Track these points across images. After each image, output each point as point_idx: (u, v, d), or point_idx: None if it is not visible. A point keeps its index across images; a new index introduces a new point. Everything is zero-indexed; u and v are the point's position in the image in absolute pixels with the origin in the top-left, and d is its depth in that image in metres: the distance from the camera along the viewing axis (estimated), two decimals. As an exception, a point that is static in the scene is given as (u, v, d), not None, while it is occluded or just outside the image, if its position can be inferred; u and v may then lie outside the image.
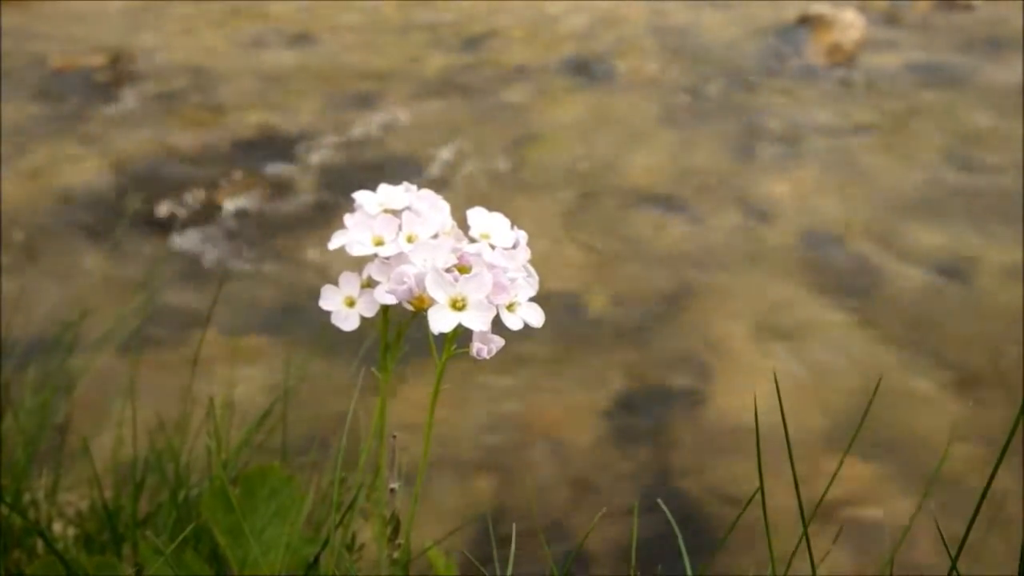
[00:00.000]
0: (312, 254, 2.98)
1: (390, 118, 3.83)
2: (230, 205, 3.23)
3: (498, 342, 0.75)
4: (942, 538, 0.81)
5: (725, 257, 2.97)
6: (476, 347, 0.75)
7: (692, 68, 4.21)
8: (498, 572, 0.96)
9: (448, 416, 2.30)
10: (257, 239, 3.07)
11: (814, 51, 4.33)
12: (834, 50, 4.32)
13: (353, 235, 0.83)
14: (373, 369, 0.88)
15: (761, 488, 0.83)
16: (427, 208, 0.84)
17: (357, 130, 3.73)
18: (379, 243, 0.82)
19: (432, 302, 0.74)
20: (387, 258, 0.81)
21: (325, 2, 4.88)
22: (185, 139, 3.65)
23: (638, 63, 4.28)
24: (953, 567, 0.81)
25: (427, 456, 0.87)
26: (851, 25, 4.42)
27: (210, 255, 2.99)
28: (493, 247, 0.80)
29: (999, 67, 4.15)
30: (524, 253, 0.81)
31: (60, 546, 1.29)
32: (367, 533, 0.96)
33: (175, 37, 4.52)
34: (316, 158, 3.53)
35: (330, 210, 3.21)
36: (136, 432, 1.45)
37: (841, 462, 0.87)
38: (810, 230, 3.10)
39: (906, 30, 4.54)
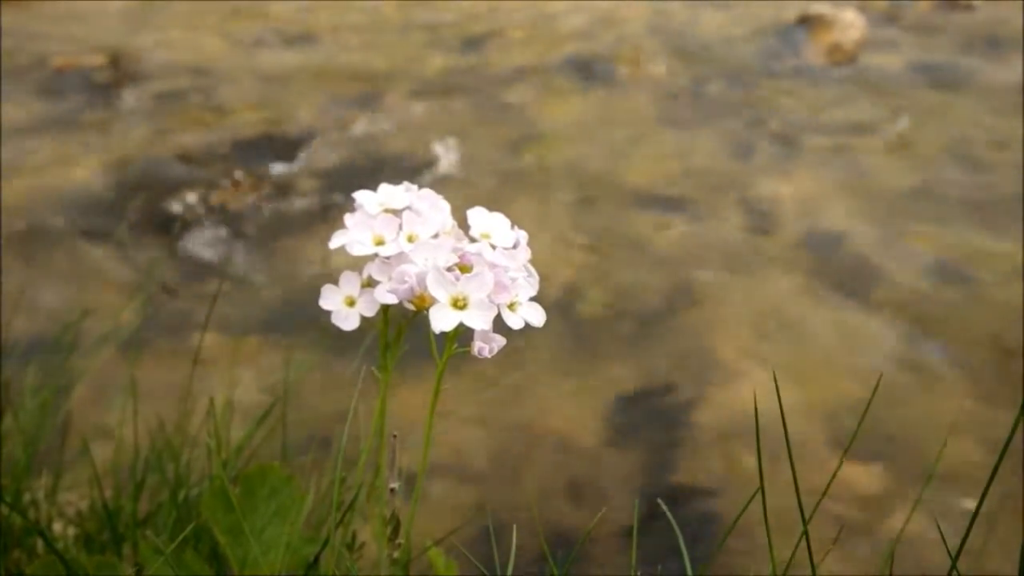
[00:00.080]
0: (312, 254, 2.98)
1: (390, 118, 3.83)
2: (230, 205, 3.23)
3: (499, 341, 0.75)
4: (942, 538, 0.81)
5: (725, 257, 2.97)
6: (478, 346, 0.75)
7: (692, 68, 4.21)
8: (498, 572, 0.96)
9: (448, 415, 2.30)
10: (258, 239, 3.07)
11: (814, 51, 4.33)
12: (834, 50, 4.32)
13: (354, 235, 0.83)
14: (373, 369, 0.88)
15: (761, 488, 0.83)
16: (427, 208, 0.84)
17: (357, 130, 3.73)
18: (380, 243, 0.82)
19: (433, 301, 0.74)
20: (388, 258, 0.81)
21: (325, 2, 4.88)
22: (185, 139, 3.65)
23: (638, 63, 4.28)
24: (953, 567, 0.81)
25: (427, 456, 0.87)
26: (851, 25, 4.42)
27: (210, 255, 2.99)
28: (494, 247, 0.80)
29: (999, 67, 4.15)
30: (524, 253, 0.81)
31: (60, 546, 1.29)
32: (367, 533, 0.96)
33: (175, 37, 4.52)
34: (316, 158, 3.53)
35: (330, 210, 3.21)
36: (136, 432, 1.45)
37: (841, 461, 0.87)
38: (810, 230, 3.10)
39: (906, 30, 4.55)
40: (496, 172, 3.44)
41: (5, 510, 1.27)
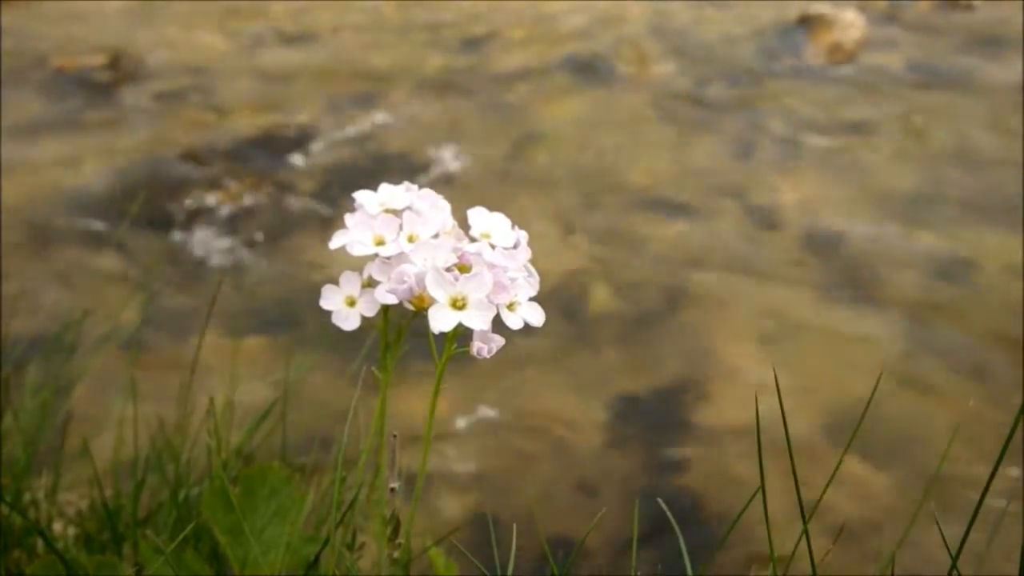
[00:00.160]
0: (313, 254, 2.98)
1: (390, 118, 3.83)
2: (231, 205, 3.23)
3: (498, 341, 0.75)
4: (943, 538, 0.81)
5: (726, 256, 2.97)
6: (477, 346, 0.75)
7: (692, 68, 4.21)
8: (498, 572, 0.96)
9: (448, 416, 2.30)
10: (258, 239, 3.07)
11: (814, 51, 4.33)
12: (834, 50, 4.32)
13: (354, 235, 0.83)
14: (373, 368, 0.88)
15: (762, 488, 0.83)
16: (428, 208, 0.84)
17: (357, 129, 3.73)
18: (380, 243, 0.82)
19: (432, 301, 0.74)
20: (388, 258, 0.81)
21: (325, 2, 4.88)
22: (186, 139, 3.65)
23: (638, 63, 4.28)
24: (953, 567, 0.81)
25: (427, 456, 0.87)
26: (851, 25, 4.42)
27: (210, 255, 2.99)
28: (493, 247, 0.80)
29: (999, 67, 4.15)
30: (524, 253, 0.81)
31: (60, 546, 1.29)
32: (367, 533, 0.96)
33: (175, 37, 4.52)
34: (316, 158, 3.53)
35: (331, 209, 3.21)
36: (136, 432, 1.45)
37: (841, 461, 0.87)
38: (811, 229, 3.10)
39: (906, 30, 4.54)
40: (496, 171, 3.44)
41: (5, 510, 1.27)
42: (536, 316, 0.77)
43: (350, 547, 0.97)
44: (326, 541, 0.97)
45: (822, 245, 3.02)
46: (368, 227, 0.83)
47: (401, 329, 0.88)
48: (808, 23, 4.49)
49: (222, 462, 1.31)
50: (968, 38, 4.42)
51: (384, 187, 0.87)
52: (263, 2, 4.90)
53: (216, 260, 2.96)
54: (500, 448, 2.25)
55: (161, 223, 3.12)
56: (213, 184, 3.33)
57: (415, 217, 0.83)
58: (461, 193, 3.25)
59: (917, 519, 1.06)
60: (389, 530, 0.89)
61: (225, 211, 3.19)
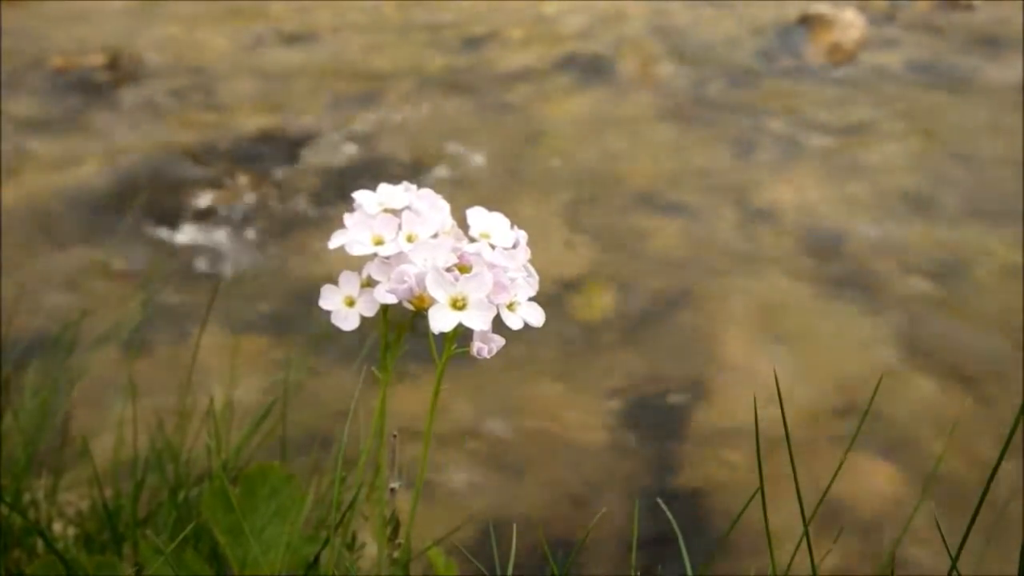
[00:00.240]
0: (312, 253, 2.98)
1: (390, 118, 3.83)
2: (231, 205, 3.23)
3: (499, 341, 0.75)
4: (942, 538, 0.81)
5: (725, 257, 2.97)
6: (477, 346, 0.75)
7: (692, 67, 4.21)
8: (498, 572, 0.96)
9: (448, 414, 2.30)
10: (258, 238, 3.07)
11: (814, 51, 4.32)
12: (834, 49, 4.32)
13: (353, 234, 0.83)
14: (373, 368, 0.88)
15: (761, 488, 0.83)
16: (427, 207, 0.84)
17: (358, 130, 3.73)
18: (379, 242, 0.82)
19: (432, 301, 0.74)
20: (387, 257, 0.81)
21: (325, 2, 4.88)
22: (186, 139, 3.65)
23: (638, 63, 4.28)
24: (953, 567, 0.81)
25: (426, 456, 0.87)
26: (851, 24, 4.42)
27: (210, 255, 2.99)
28: (493, 247, 0.80)
29: (999, 67, 4.15)
30: (524, 253, 0.81)
31: (60, 546, 1.29)
32: (367, 533, 0.96)
33: (175, 37, 4.52)
34: (316, 158, 3.53)
35: (330, 209, 3.21)
36: (136, 432, 1.45)
37: (841, 461, 0.87)
38: (810, 229, 3.09)
39: (906, 30, 4.54)
40: (496, 171, 3.44)
41: (5, 510, 1.26)
42: (536, 316, 0.77)
43: (350, 547, 0.97)
44: (326, 541, 0.97)
45: (822, 245, 3.01)
46: (367, 227, 0.83)
47: (401, 329, 0.88)
48: (808, 23, 4.49)
49: (222, 462, 1.31)
50: (968, 38, 4.42)
51: (383, 187, 0.87)
52: (263, 2, 4.90)
53: (216, 260, 2.96)
54: (500, 448, 2.25)
55: (161, 223, 3.12)
56: (213, 184, 3.33)
57: (414, 217, 0.83)
58: (461, 193, 3.25)
59: (918, 519, 1.06)
60: (389, 530, 0.89)
61: (225, 211, 3.19)
